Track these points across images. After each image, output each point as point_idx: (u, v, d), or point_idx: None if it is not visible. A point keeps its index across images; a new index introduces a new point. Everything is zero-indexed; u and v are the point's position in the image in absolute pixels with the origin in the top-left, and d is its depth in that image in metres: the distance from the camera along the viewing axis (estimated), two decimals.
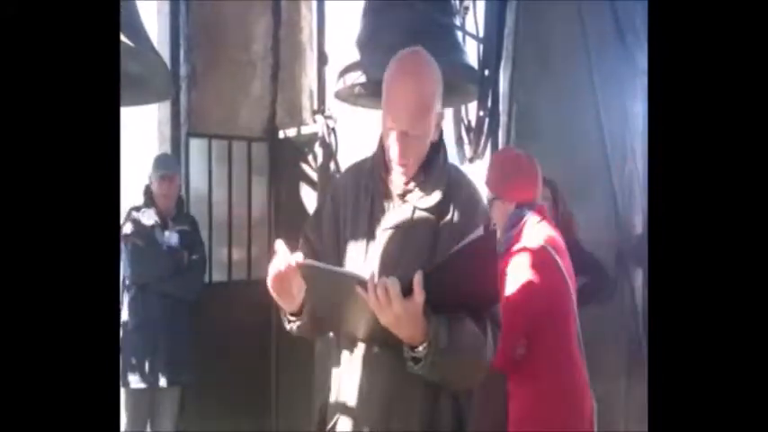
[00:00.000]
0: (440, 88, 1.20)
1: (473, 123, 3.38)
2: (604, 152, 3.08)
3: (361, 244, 1.20)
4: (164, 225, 2.64)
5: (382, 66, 3.58)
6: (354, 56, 3.23)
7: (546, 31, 3.34)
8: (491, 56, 3.10)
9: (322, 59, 3.47)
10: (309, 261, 1.08)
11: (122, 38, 2.09)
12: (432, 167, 1.20)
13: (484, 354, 1.10)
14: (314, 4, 3.42)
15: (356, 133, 3.00)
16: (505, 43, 3.26)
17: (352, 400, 1.19)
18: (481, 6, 3.36)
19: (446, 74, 3.53)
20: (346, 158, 3.12)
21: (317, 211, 1.34)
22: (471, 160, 3.53)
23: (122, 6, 2.23)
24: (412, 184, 1.19)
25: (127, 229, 2.57)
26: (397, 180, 1.20)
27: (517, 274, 1.79)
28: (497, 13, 3.12)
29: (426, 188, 1.18)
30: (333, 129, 3.07)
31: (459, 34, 3.36)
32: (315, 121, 3.15)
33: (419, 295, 0.99)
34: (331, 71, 3.41)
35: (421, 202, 1.18)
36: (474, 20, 3.43)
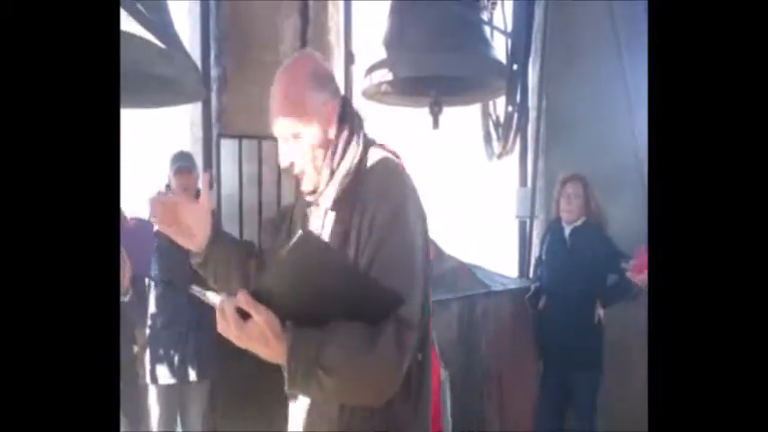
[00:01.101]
0: (314, 82, 1.12)
1: (501, 119, 3.35)
2: (636, 147, 3.02)
3: None
4: None
5: (409, 64, 3.56)
6: (381, 54, 3.24)
7: (576, 24, 3.29)
8: (520, 50, 3.07)
9: (349, 59, 3.49)
10: (193, 289, 1.05)
11: (155, 41, 2.14)
12: (333, 162, 1.13)
13: (374, 366, 0.96)
14: (341, 3, 3.44)
15: (383, 131, 3.01)
16: (534, 37, 3.22)
17: (290, 421, 1.20)
18: (509, 1, 3.33)
19: (474, 69, 3.51)
20: None
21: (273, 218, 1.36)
22: (500, 156, 3.50)
23: (155, 10, 2.29)
24: (322, 185, 1.14)
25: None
26: (306, 188, 1.16)
27: None
28: (526, 8, 3.09)
29: (331, 185, 1.12)
30: None
31: (487, 29, 3.34)
32: None
33: (257, 314, 0.90)
34: (358, 70, 3.43)
35: (326, 200, 1.13)
36: (502, 15, 3.40)
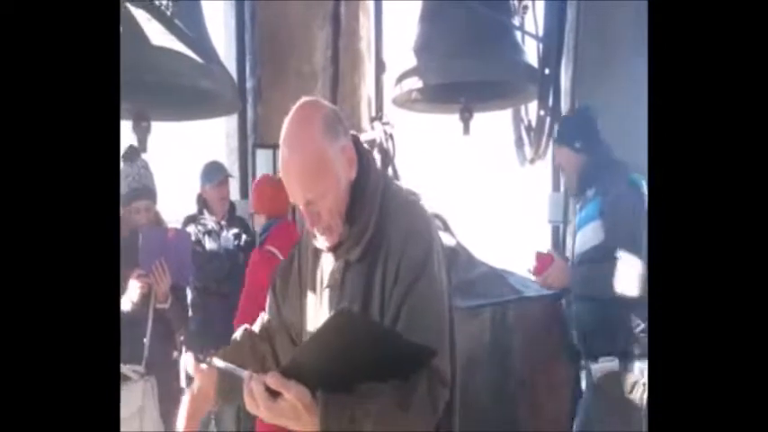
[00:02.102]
0: (329, 132, 1.04)
1: (533, 123, 3.33)
2: None
3: (312, 305, 1.16)
4: (219, 229, 2.76)
5: (439, 70, 3.56)
6: (411, 61, 3.26)
7: (608, 27, 3.26)
8: (551, 54, 3.05)
9: (380, 67, 3.53)
10: (216, 363, 1.02)
11: (194, 56, 2.22)
12: (355, 211, 1.06)
13: (408, 426, 0.94)
14: (371, 9, 3.48)
15: (413, 138, 3.03)
16: (566, 40, 3.20)
17: None
18: (540, 5, 3.31)
19: (505, 74, 3.50)
20: (404, 164, 3.16)
21: (289, 259, 1.26)
22: (532, 161, 3.48)
23: (193, 27, 2.37)
24: (346, 239, 1.07)
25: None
26: (331, 243, 1.09)
27: (251, 272, 2.37)
28: (558, 11, 3.07)
29: (351, 238, 1.06)
30: (390, 135, 3.12)
31: (518, 34, 3.33)
32: (372, 128, 3.21)
33: (287, 393, 0.87)
34: (388, 78, 3.47)
35: (351, 254, 1.07)
36: (534, 19, 3.39)
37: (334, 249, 1.09)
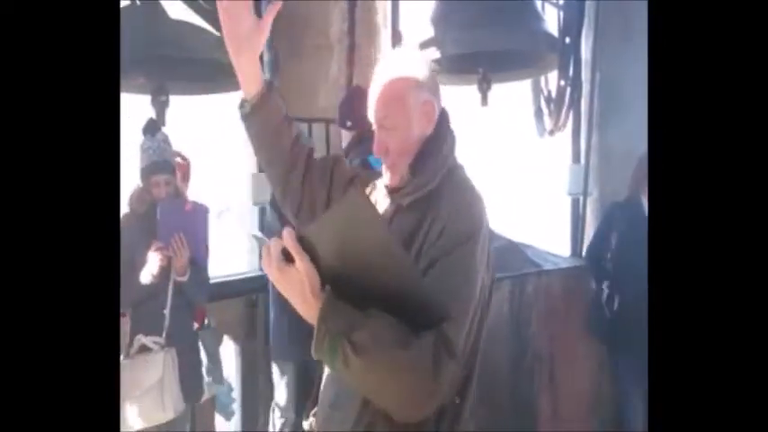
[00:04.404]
0: (418, 80, 1.13)
1: (553, 94, 3.27)
2: None
3: None
4: None
5: (457, 41, 3.49)
6: (429, 32, 3.21)
7: None
8: (572, 22, 2.98)
9: (396, 38, 3.48)
10: (256, 234, 1.02)
11: (211, 29, 2.21)
12: (422, 164, 1.12)
13: (405, 366, 0.90)
14: None
15: None
16: (588, 9, 3.11)
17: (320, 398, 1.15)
18: None
19: (524, 43, 3.42)
20: None
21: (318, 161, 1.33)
22: (552, 132, 3.43)
23: (210, 2, 2.35)
24: (401, 181, 1.13)
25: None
26: (392, 183, 1.15)
27: None
28: None
29: (411, 185, 1.11)
30: None
31: (538, 2, 3.25)
32: None
33: (300, 260, 0.88)
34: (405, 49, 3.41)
35: (404, 198, 1.12)
36: None
37: (392, 192, 1.15)
